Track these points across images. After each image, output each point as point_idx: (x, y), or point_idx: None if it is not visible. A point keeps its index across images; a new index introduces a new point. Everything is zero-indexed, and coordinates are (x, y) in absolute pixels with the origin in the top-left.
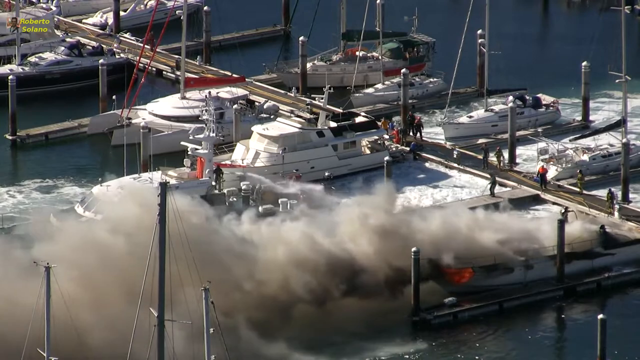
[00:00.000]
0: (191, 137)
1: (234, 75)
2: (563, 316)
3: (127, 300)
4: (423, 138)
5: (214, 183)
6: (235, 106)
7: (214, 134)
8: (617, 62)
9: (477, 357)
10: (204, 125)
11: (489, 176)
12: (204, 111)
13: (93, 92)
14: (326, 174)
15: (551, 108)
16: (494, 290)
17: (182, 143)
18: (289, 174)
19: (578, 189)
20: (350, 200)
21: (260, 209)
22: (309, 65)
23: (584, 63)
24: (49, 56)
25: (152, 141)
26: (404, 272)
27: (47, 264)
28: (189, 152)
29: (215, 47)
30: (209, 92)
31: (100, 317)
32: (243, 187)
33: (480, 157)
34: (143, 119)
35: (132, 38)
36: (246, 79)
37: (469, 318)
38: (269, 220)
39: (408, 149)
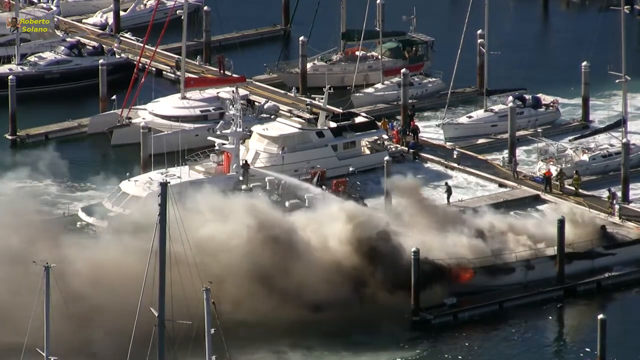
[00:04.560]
0: (218, 132)
1: (234, 75)
2: (563, 316)
3: None
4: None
5: (241, 178)
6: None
7: (241, 129)
8: (617, 62)
9: (477, 357)
10: (230, 120)
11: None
12: (230, 106)
13: (93, 92)
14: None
15: (551, 108)
16: (494, 290)
17: (209, 138)
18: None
19: (574, 189)
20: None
21: (286, 204)
22: (309, 65)
23: (584, 63)
24: (48, 56)
25: (152, 140)
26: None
27: (47, 263)
28: (216, 147)
29: (215, 47)
30: (236, 87)
31: None
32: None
33: (481, 157)
34: (143, 118)
35: (132, 38)
36: (246, 79)
37: (469, 318)
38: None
39: (406, 148)
